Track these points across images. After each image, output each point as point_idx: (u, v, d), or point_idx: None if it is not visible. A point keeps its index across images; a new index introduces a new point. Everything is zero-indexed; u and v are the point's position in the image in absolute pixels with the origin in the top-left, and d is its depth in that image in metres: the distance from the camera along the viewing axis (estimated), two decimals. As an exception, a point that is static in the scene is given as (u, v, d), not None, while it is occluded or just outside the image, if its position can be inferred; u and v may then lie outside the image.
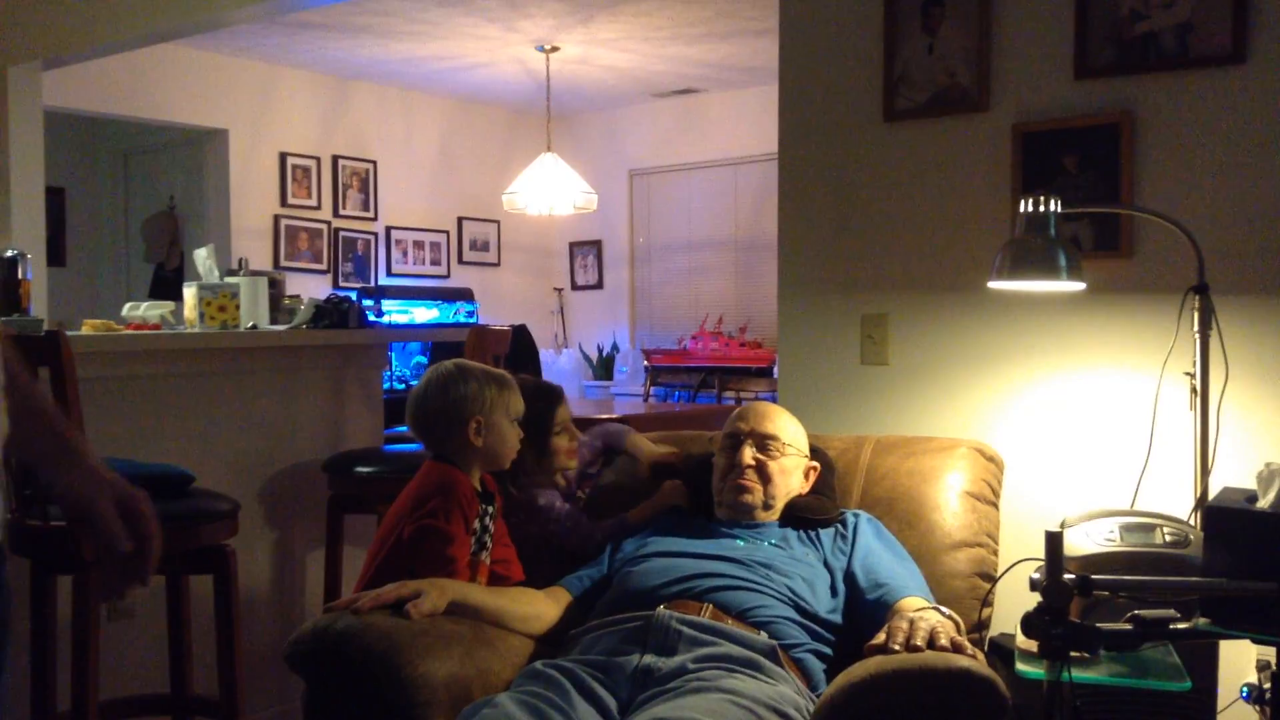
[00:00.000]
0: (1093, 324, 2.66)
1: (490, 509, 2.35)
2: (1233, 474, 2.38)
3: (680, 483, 2.54)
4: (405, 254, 8.01)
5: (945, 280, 2.86)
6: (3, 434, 1.31)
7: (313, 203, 7.42)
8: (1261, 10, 2.46)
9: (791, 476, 2.41)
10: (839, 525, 2.38)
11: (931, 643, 1.89)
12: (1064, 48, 2.67)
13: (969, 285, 2.79)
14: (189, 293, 3.56)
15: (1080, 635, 1.81)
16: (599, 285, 8.79)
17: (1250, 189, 2.48)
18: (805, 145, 3.06)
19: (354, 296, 4.54)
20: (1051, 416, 2.71)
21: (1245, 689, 2.11)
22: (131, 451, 3.13)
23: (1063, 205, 2.35)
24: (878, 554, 2.28)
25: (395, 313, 7.12)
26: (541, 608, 2.29)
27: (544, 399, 2.58)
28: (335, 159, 7.54)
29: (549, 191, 6.87)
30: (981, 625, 2.33)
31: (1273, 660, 2.01)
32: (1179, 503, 2.41)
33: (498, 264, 8.60)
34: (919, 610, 2.03)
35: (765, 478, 2.37)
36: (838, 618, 2.21)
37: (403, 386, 6.59)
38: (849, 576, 2.26)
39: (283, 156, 7.26)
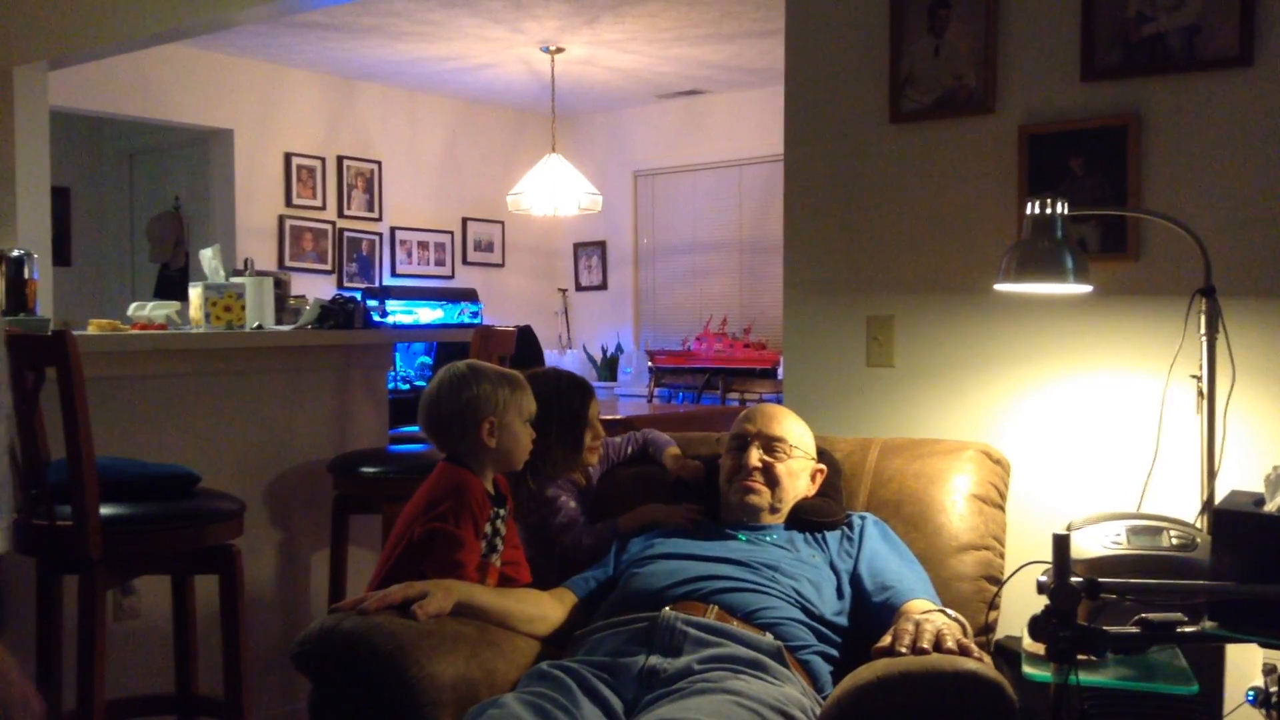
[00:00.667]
0: (1099, 326, 2.66)
1: (502, 511, 2.35)
2: (1240, 477, 2.38)
3: (663, 505, 2.53)
4: (410, 254, 8.01)
5: (951, 282, 2.85)
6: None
7: (318, 203, 7.42)
8: (1269, 12, 2.45)
9: (798, 479, 2.41)
10: (845, 527, 2.38)
11: (938, 645, 1.89)
12: (1071, 50, 2.66)
13: (975, 287, 2.79)
14: (194, 293, 3.56)
15: (1087, 638, 1.81)
16: (603, 286, 8.78)
17: (1257, 191, 2.48)
18: (811, 146, 3.06)
19: (359, 297, 4.55)
20: (1058, 419, 2.71)
21: (1251, 693, 2.11)
22: (137, 451, 3.14)
23: (1069, 207, 2.35)
24: (884, 556, 2.28)
25: (400, 313, 7.11)
26: (547, 609, 2.29)
27: (579, 392, 2.57)
28: (340, 159, 7.54)
29: (554, 192, 6.87)
30: (988, 628, 2.33)
31: (1279, 664, 2.01)
32: (1186, 506, 2.41)
33: (502, 265, 8.60)
34: (925, 613, 2.03)
35: (772, 480, 2.37)
36: (844, 620, 2.21)
37: (407, 387, 6.59)
38: (855, 578, 2.26)
39: (288, 157, 7.26)
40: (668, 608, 2.12)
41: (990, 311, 2.78)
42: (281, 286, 3.82)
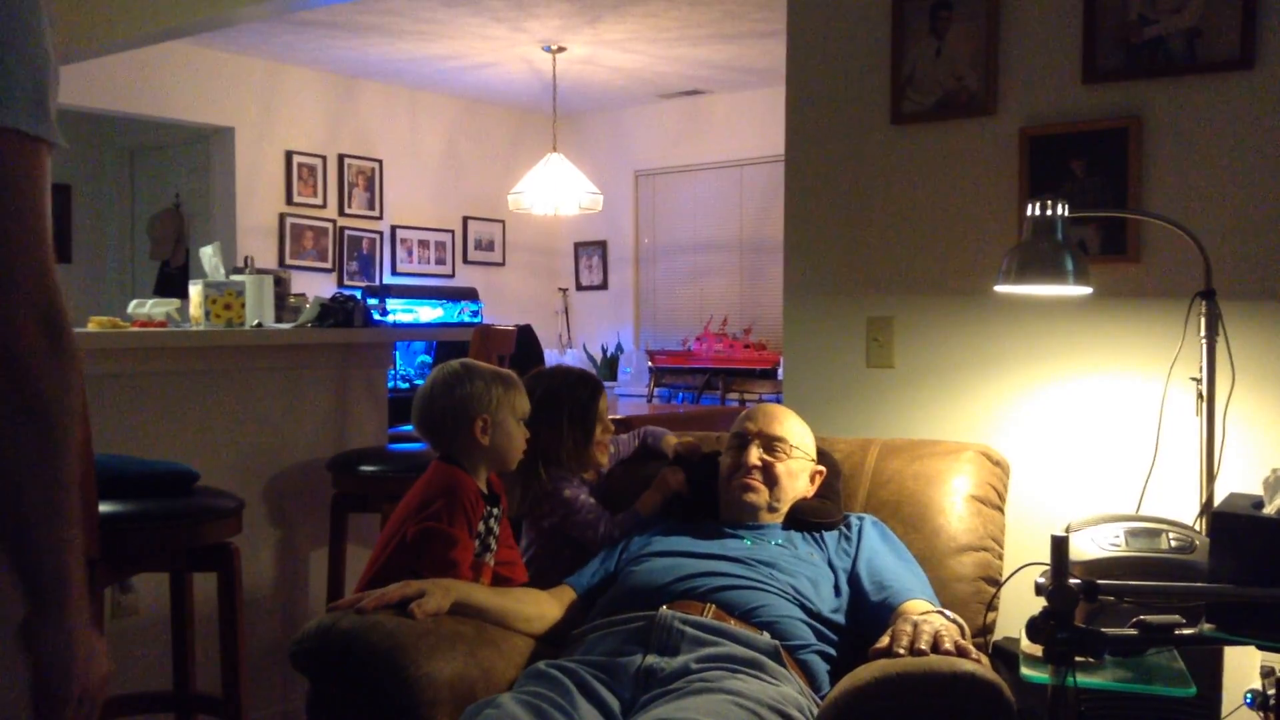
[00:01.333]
0: (1099, 328, 2.66)
1: (495, 511, 2.34)
2: (1239, 479, 2.38)
3: (678, 468, 2.54)
4: (410, 253, 8.01)
5: (952, 284, 2.85)
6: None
7: (318, 201, 7.42)
8: (1270, 15, 2.45)
9: (797, 479, 2.41)
10: (843, 527, 2.38)
11: (936, 646, 1.89)
12: (1072, 52, 2.66)
13: (975, 289, 2.79)
14: (195, 290, 3.56)
15: (1085, 640, 1.81)
16: (604, 286, 8.78)
17: (1257, 194, 2.48)
18: (812, 147, 3.06)
19: (359, 295, 4.54)
20: (1057, 421, 2.71)
21: (1249, 695, 2.11)
22: (136, 449, 3.13)
23: (1070, 209, 2.35)
24: (883, 556, 2.28)
25: (400, 312, 7.11)
26: (545, 608, 2.29)
27: (588, 387, 2.58)
28: (341, 158, 7.54)
29: (554, 191, 6.87)
30: (986, 629, 2.33)
31: (1277, 667, 2.01)
32: (1185, 508, 2.41)
33: (503, 264, 8.60)
34: (923, 614, 2.02)
35: (771, 479, 2.37)
36: (841, 618, 2.21)
37: (407, 386, 6.59)
38: (853, 578, 2.26)
39: (288, 155, 7.26)
40: (665, 606, 2.12)
41: (990, 313, 2.78)
42: (282, 284, 3.82)
